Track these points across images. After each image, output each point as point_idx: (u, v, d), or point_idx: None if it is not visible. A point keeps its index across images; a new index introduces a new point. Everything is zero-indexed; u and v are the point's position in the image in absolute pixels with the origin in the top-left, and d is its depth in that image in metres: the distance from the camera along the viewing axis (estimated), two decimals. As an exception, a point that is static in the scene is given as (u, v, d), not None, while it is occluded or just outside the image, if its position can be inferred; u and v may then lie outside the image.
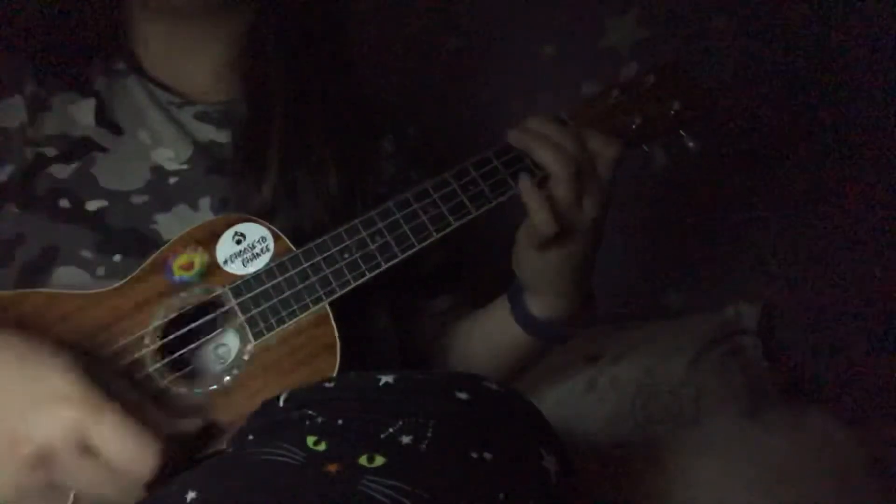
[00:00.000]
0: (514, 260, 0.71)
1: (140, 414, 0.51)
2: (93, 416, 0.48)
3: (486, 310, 0.79)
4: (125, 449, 0.49)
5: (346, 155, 0.73)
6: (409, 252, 0.64)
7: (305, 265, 0.63)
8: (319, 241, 0.64)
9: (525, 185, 0.65)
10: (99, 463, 0.49)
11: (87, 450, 0.48)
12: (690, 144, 0.72)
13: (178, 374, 0.60)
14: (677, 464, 0.72)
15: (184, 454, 0.57)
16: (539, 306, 0.73)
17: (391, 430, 0.47)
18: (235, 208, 0.68)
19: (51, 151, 0.69)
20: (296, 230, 0.66)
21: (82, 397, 0.49)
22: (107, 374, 0.53)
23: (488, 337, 0.78)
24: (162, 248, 0.64)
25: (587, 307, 0.75)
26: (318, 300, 0.62)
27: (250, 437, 0.53)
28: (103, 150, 0.70)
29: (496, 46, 1.17)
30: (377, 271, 0.64)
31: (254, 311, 0.62)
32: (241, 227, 0.64)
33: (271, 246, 0.64)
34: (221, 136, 0.73)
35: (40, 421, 0.48)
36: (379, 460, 0.44)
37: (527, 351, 0.77)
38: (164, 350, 0.61)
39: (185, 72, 0.74)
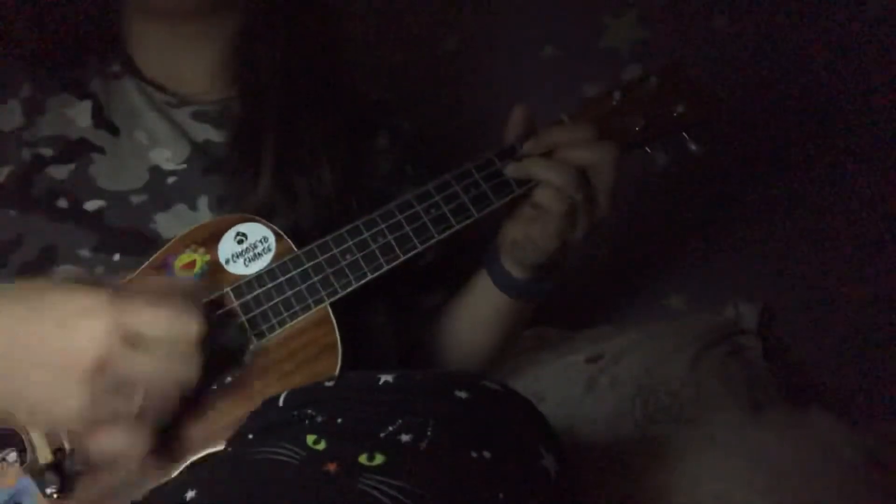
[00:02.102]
0: (503, 232, 0.72)
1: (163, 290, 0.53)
2: (124, 312, 0.50)
3: (465, 285, 0.80)
4: (166, 321, 0.51)
5: (340, 152, 0.73)
6: (411, 253, 0.65)
7: (307, 265, 0.63)
8: (321, 241, 0.64)
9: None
10: (149, 345, 0.50)
11: (132, 340, 0.50)
12: (693, 148, 0.72)
13: (178, 374, 0.60)
14: (677, 464, 0.72)
15: (183, 454, 0.57)
16: (517, 268, 0.73)
17: (391, 429, 0.47)
18: (233, 207, 0.68)
19: (48, 152, 0.69)
20: (294, 229, 0.66)
21: (106, 302, 0.50)
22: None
23: (471, 309, 0.79)
24: (162, 248, 0.64)
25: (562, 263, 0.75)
26: (319, 300, 0.62)
27: (250, 436, 0.53)
28: (100, 150, 0.70)
29: (496, 46, 1.17)
30: (379, 272, 0.64)
31: (255, 311, 0.62)
32: (242, 227, 0.64)
33: (273, 246, 0.64)
34: (218, 136, 0.73)
35: (81, 337, 0.49)
36: (379, 459, 0.44)
37: (510, 315, 0.77)
38: (165, 350, 0.61)
39: (181, 72, 0.75)
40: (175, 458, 0.57)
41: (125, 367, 0.50)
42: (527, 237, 0.69)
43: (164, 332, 0.51)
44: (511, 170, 0.67)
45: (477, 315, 0.79)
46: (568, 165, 0.65)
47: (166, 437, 0.56)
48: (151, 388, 0.51)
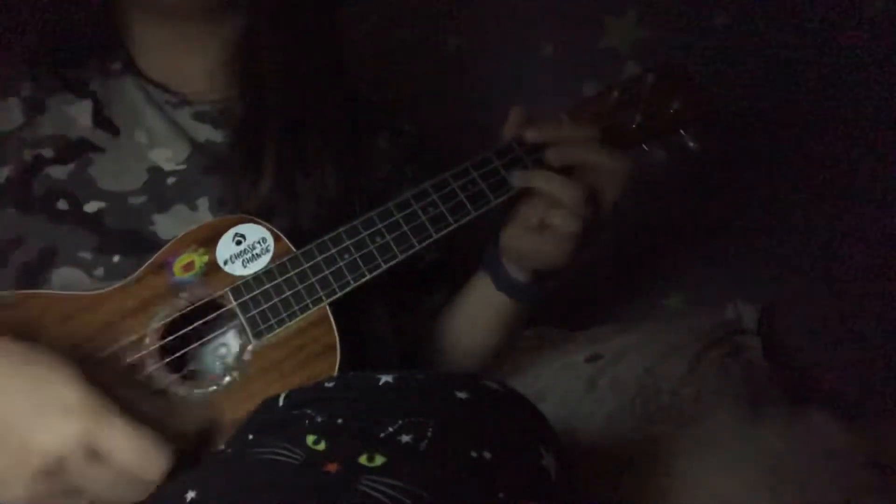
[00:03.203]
0: (504, 235, 0.71)
1: (146, 416, 0.52)
2: (100, 424, 0.49)
3: (465, 286, 0.79)
4: (135, 453, 0.50)
5: (342, 153, 0.73)
6: (409, 252, 0.65)
7: (305, 266, 0.63)
8: (319, 241, 0.64)
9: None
10: (110, 468, 0.49)
11: (97, 456, 0.49)
12: (691, 145, 0.72)
13: (178, 375, 0.60)
14: (677, 464, 0.72)
15: (183, 454, 0.57)
16: (520, 273, 0.73)
17: (391, 429, 0.47)
18: (233, 208, 0.68)
19: (48, 153, 0.69)
20: (294, 230, 0.66)
21: (87, 406, 0.49)
22: (109, 379, 0.53)
23: (471, 309, 0.79)
24: (162, 249, 0.64)
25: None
26: (318, 301, 0.62)
27: (250, 436, 0.53)
28: (101, 150, 0.70)
29: (496, 46, 1.17)
30: (377, 272, 0.64)
31: (254, 312, 0.62)
32: (241, 228, 0.64)
33: (271, 247, 0.64)
34: (218, 136, 0.73)
35: (48, 432, 0.49)
36: (379, 460, 0.44)
37: (510, 316, 0.77)
38: (165, 350, 0.61)
39: (182, 71, 0.74)
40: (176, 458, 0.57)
41: (80, 476, 0.49)
42: (534, 250, 0.68)
43: (129, 464, 0.50)
44: (517, 178, 0.67)
45: (477, 315, 0.79)
46: (578, 184, 0.65)
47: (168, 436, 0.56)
48: (98, 500, 0.51)
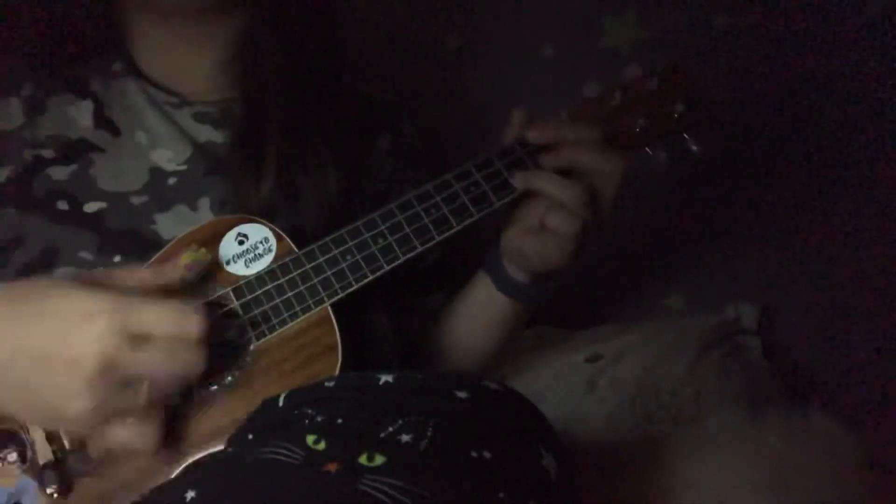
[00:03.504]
0: (505, 236, 0.72)
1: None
2: (123, 311, 0.51)
3: (465, 286, 0.80)
4: (170, 318, 0.52)
5: (343, 154, 0.73)
6: (411, 254, 0.65)
7: (308, 266, 0.63)
8: (321, 242, 0.64)
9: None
10: (156, 342, 0.51)
11: (138, 339, 0.51)
12: (694, 148, 0.72)
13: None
14: (677, 464, 0.72)
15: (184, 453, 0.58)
16: (521, 273, 0.73)
17: (391, 429, 0.47)
18: (234, 209, 0.68)
19: (49, 153, 0.69)
20: (295, 230, 0.66)
21: (102, 302, 0.51)
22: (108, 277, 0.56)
23: (472, 309, 0.79)
24: (164, 249, 0.64)
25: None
26: (320, 301, 0.62)
27: (250, 436, 0.53)
28: (101, 151, 0.70)
29: (496, 46, 1.17)
30: (379, 273, 0.64)
31: (256, 312, 0.62)
32: (243, 228, 0.64)
33: (274, 247, 0.64)
34: (219, 137, 0.73)
35: (83, 339, 0.50)
36: (379, 459, 0.44)
37: (510, 316, 0.77)
38: (165, 350, 0.61)
39: (182, 72, 0.75)
40: (176, 458, 0.57)
41: (130, 366, 0.51)
42: (535, 252, 0.68)
43: (166, 332, 0.52)
44: (518, 180, 0.67)
45: (477, 315, 0.79)
46: (579, 185, 0.65)
47: (168, 436, 0.56)
48: (157, 382, 0.53)
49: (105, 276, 0.56)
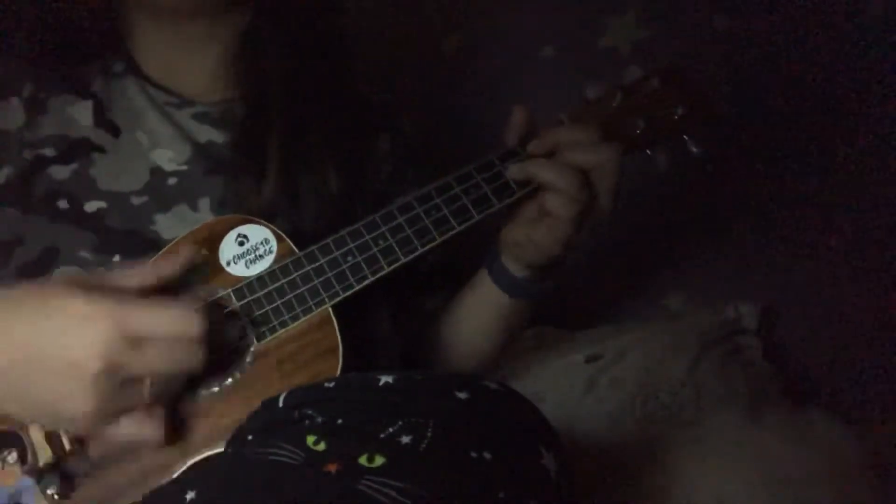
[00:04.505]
0: (504, 231, 0.72)
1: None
2: (121, 312, 0.51)
3: (466, 286, 0.80)
4: (168, 318, 0.52)
5: (345, 155, 0.73)
6: (412, 255, 0.65)
7: (308, 267, 0.63)
8: (322, 243, 0.64)
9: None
10: (153, 344, 0.52)
11: (138, 340, 0.51)
12: (694, 150, 0.72)
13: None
14: (677, 464, 0.72)
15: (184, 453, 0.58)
16: (518, 267, 0.73)
17: (391, 429, 0.47)
18: (234, 209, 0.68)
19: (49, 153, 0.69)
20: (296, 231, 0.66)
21: (100, 305, 0.51)
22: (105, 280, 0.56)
23: (472, 308, 0.79)
24: (164, 249, 0.64)
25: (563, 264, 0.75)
26: (321, 302, 0.62)
27: (250, 437, 0.53)
28: (102, 151, 0.70)
29: (496, 46, 1.17)
30: (380, 274, 0.64)
31: (256, 313, 0.62)
32: (244, 229, 0.64)
33: (274, 248, 0.64)
34: (220, 137, 0.73)
35: (83, 342, 0.50)
36: (379, 460, 0.44)
37: (510, 314, 0.78)
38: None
39: (183, 72, 0.75)
40: (177, 459, 0.57)
41: (131, 366, 0.51)
42: (529, 239, 0.68)
43: (166, 332, 0.52)
44: (513, 171, 0.67)
45: (477, 314, 0.79)
46: (571, 168, 0.65)
47: (169, 437, 0.56)
48: (157, 380, 0.53)
49: (103, 278, 0.56)
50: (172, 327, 0.53)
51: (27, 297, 0.53)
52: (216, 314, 0.60)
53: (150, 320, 0.52)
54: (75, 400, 0.51)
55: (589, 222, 0.67)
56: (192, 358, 0.53)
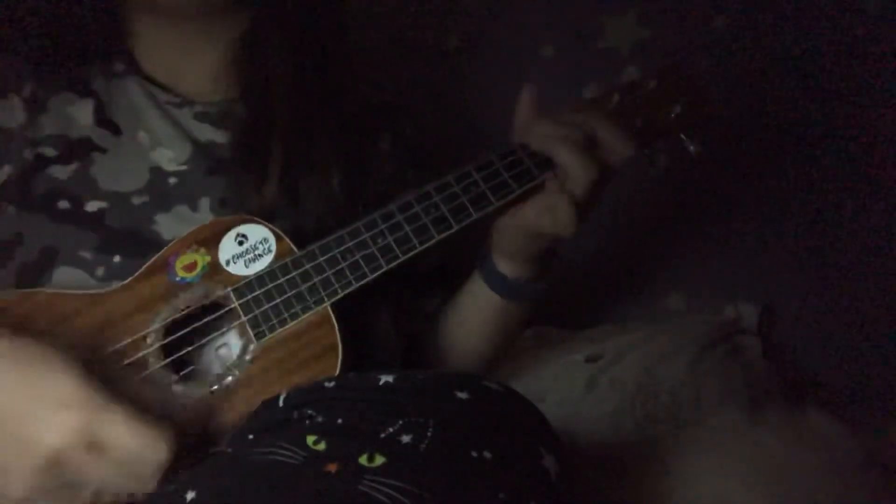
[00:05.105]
0: (496, 228, 0.72)
1: (146, 406, 0.51)
2: (98, 415, 0.49)
3: (460, 290, 0.80)
4: (136, 442, 0.49)
5: (346, 155, 0.73)
6: (411, 254, 0.65)
7: (307, 266, 0.63)
8: (322, 242, 0.64)
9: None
10: (111, 458, 0.49)
11: (97, 447, 0.49)
12: (692, 149, 0.72)
13: (179, 375, 0.61)
14: (677, 463, 0.72)
15: (184, 452, 0.57)
16: (508, 267, 0.73)
17: (391, 429, 0.47)
18: (235, 209, 0.68)
19: (50, 152, 0.69)
20: (296, 231, 0.66)
21: (85, 398, 0.49)
22: (110, 377, 0.53)
23: (466, 310, 0.79)
24: (164, 249, 0.64)
25: (553, 264, 0.76)
26: (320, 301, 0.62)
27: (250, 436, 0.53)
28: (102, 150, 0.70)
29: (496, 46, 1.17)
30: (379, 272, 0.64)
31: (256, 312, 0.62)
32: (243, 228, 0.64)
33: (273, 247, 0.64)
34: (220, 137, 0.73)
35: (47, 426, 0.48)
36: (379, 460, 0.44)
37: (503, 316, 0.77)
38: (167, 350, 0.61)
39: (184, 72, 0.75)
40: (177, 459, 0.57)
41: (80, 469, 0.49)
42: (528, 224, 0.68)
43: (129, 452, 0.50)
44: (535, 138, 0.67)
45: (471, 316, 0.79)
46: (581, 140, 0.65)
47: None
48: (101, 491, 0.50)
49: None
50: (141, 450, 0.50)
51: (17, 348, 0.51)
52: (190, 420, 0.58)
53: (118, 431, 0.49)
54: (13, 477, 0.48)
55: (586, 208, 0.67)
56: (144, 482, 0.50)
